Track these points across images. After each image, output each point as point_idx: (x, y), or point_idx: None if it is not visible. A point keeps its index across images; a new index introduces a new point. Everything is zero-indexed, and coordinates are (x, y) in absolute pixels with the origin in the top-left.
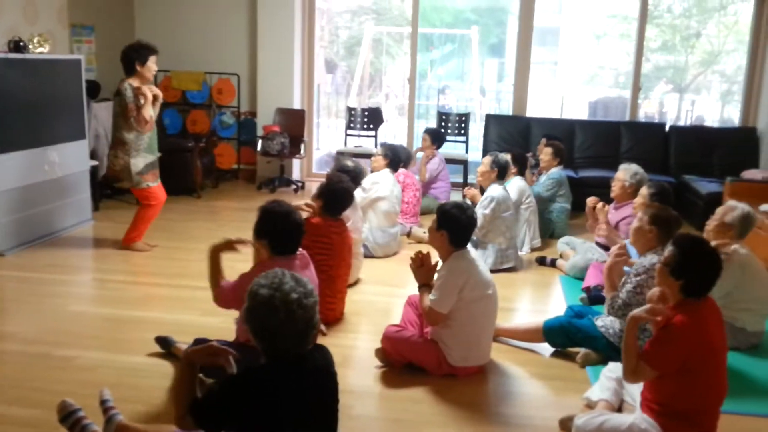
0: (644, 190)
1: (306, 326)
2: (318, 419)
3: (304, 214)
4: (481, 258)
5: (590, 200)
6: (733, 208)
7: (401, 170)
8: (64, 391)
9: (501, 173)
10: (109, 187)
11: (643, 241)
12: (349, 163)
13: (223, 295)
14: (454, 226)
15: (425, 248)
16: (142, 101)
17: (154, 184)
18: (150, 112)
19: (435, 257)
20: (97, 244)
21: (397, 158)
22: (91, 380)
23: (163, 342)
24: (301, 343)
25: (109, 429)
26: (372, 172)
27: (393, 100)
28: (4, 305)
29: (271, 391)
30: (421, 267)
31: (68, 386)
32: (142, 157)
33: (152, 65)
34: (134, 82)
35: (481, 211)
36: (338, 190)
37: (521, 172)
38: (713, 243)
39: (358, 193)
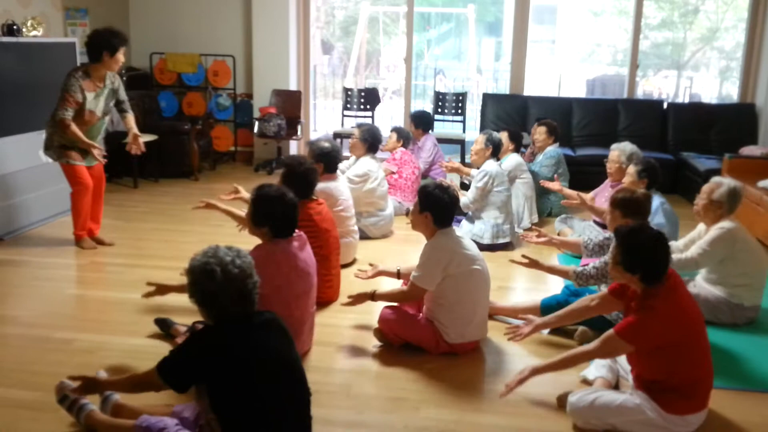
0: (631, 168)
1: (244, 284)
2: (284, 368)
3: None
4: (478, 232)
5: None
6: (719, 184)
7: (400, 149)
8: (64, 374)
9: (495, 151)
10: (106, 170)
11: None
12: (326, 144)
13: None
14: (437, 206)
15: None
16: (67, 107)
17: (78, 162)
18: (66, 114)
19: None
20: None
21: (375, 141)
22: (90, 362)
23: (162, 323)
24: (245, 302)
25: (105, 409)
26: (351, 155)
27: (392, 78)
28: (4, 289)
29: (225, 346)
30: (358, 299)
31: (68, 369)
32: (64, 137)
33: (121, 57)
34: (89, 72)
35: (474, 185)
36: (301, 173)
37: (517, 149)
38: (702, 222)
39: (345, 180)
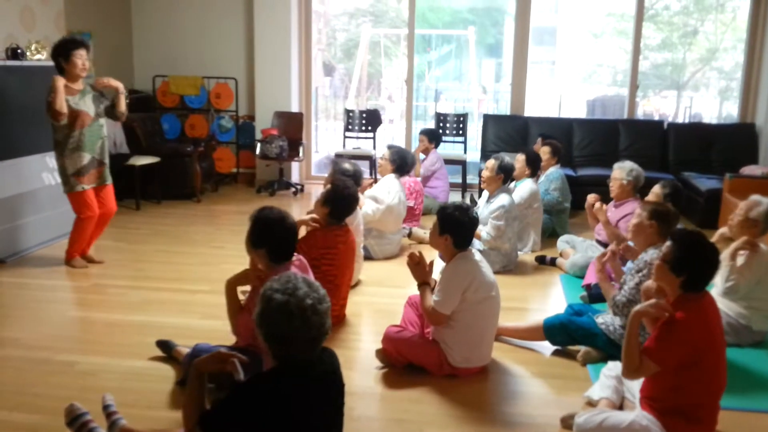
0: (658, 189)
1: (319, 332)
2: (327, 422)
3: (303, 229)
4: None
5: (590, 197)
6: (757, 203)
7: (409, 178)
8: (66, 397)
9: (506, 178)
10: None
11: (643, 237)
12: (348, 165)
13: (242, 328)
14: (458, 229)
15: (426, 248)
16: (51, 95)
17: (87, 186)
18: (63, 104)
19: (431, 255)
20: (97, 250)
21: (404, 163)
22: (92, 385)
23: (164, 346)
24: (313, 349)
25: None
26: (379, 175)
27: (392, 104)
28: (5, 312)
29: (281, 399)
30: (417, 265)
31: (70, 391)
32: (71, 159)
33: (77, 60)
34: (63, 80)
35: (494, 223)
36: (346, 197)
37: (533, 174)
38: (738, 241)
39: (367, 202)
